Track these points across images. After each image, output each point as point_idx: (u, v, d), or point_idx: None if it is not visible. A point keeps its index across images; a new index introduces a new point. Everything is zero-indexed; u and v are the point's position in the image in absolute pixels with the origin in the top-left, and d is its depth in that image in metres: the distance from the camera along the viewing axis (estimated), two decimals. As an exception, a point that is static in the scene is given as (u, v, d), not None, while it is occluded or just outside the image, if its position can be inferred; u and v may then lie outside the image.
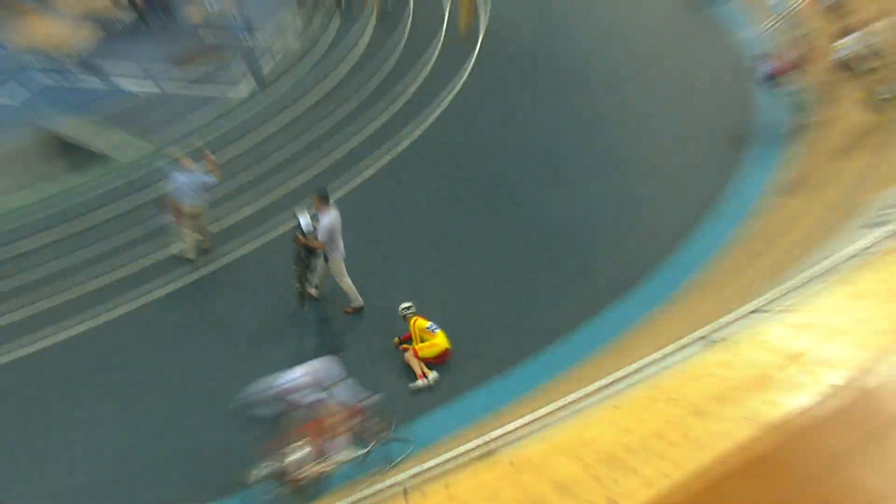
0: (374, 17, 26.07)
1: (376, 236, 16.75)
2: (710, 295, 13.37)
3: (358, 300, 14.64)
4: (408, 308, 13.60)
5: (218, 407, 12.35)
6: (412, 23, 25.94)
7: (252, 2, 26.97)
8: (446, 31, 25.14)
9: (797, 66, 19.16)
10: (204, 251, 16.21)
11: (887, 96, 16.89)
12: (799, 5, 23.15)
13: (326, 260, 14.42)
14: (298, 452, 10.67)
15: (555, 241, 16.37)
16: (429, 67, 23.12)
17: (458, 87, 22.04)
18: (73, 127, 19.80)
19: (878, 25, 17.92)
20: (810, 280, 6.79)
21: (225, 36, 24.13)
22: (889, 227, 7.32)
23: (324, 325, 14.81)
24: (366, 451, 11.23)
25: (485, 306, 14.79)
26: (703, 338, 6.59)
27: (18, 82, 21.81)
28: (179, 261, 16.11)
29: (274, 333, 14.41)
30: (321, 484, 10.87)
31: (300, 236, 14.19)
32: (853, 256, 7.10)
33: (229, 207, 17.39)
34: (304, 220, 14.21)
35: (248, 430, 10.63)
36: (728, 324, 6.33)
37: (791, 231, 14.43)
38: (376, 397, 11.42)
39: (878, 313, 4.17)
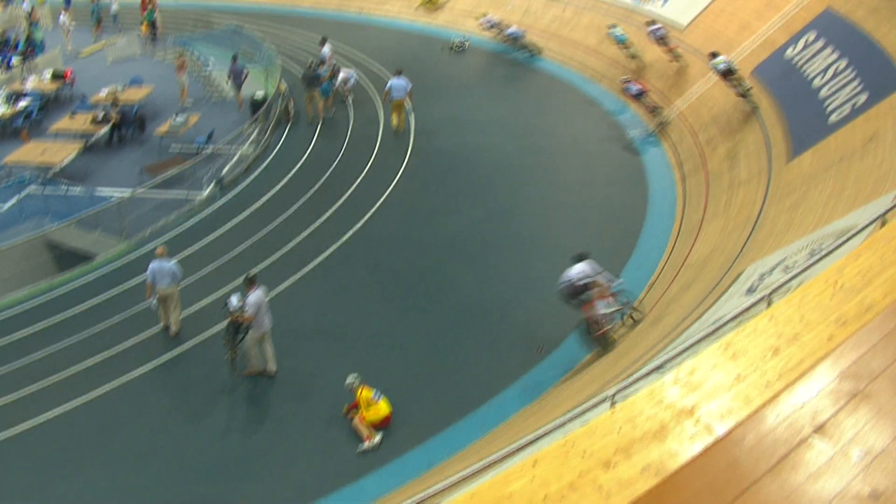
0: (319, 126, 26.22)
1: (325, 319, 16.85)
2: (614, 360, 13.47)
3: (273, 367, 15.04)
4: (355, 379, 13.58)
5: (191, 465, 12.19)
6: (352, 129, 26.18)
7: (212, 116, 27.10)
8: (382, 137, 25.41)
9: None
10: (174, 332, 16.28)
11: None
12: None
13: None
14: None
15: (478, 317, 16.58)
16: (367, 167, 23.29)
17: (392, 184, 22.22)
18: (58, 231, 19.63)
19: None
20: (697, 342, 6.88)
21: (189, 146, 24.15)
22: (760, 294, 7.46)
23: (278, 393, 14.75)
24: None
25: (421, 375, 14.92)
26: (609, 397, 6.62)
27: (11, 193, 21.61)
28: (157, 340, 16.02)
29: (231, 399, 14.20)
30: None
31: (230, 313, 14.52)
32: (732, 319, 7.21)
33: (195, 294, 17.20)
34: (234, 299, 14.55)
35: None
36: (630, 384, 6.37)
37: (682, 299, 14.62)
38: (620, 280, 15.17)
39: (753, 370, 4.23)
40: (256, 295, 14.53)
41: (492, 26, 34.67)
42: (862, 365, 4.17)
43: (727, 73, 22.29)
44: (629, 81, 26.18)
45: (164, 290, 15.90)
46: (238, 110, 28.21)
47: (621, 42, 28.17)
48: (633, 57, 27.92)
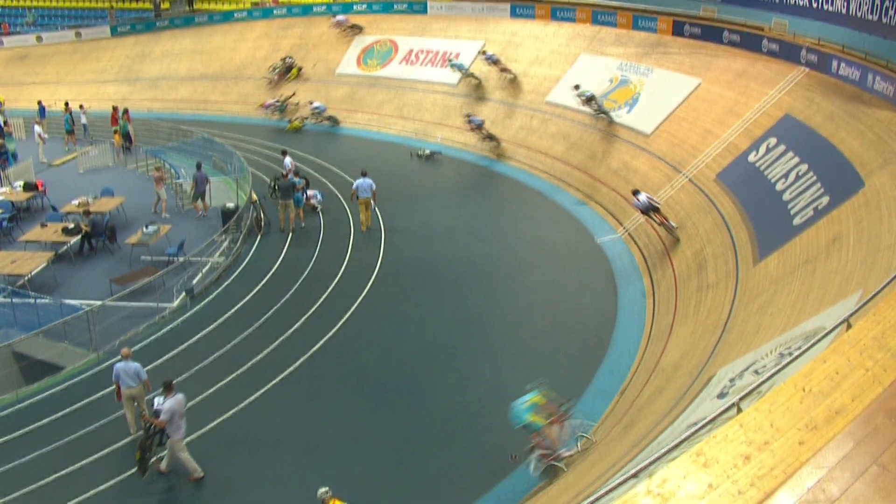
0: (290, 235, 26.31)
1: (296, 429, 16.65)
2: (589, 467, 13.35)
3: (197, 472, 14.88)
4: (325, 492, 13.31)
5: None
6: (323, 238, 26.29)
7: (183, 226, 27.17)
8: (353, 245, 25.51)
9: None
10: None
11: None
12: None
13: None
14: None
15: (451, 424, 16.50)
16: (339, 275, 23.33)
17: (364, 292, 22.24)
18: (26, 341, 19.39)
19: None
20: (669, 450, 6.83)
21: (160, 256, 24.12)
22: (731, 399, 7.46)
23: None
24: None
25: (393, 487, 14.71)
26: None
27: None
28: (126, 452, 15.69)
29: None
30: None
31: (147, 415, 14.83)
32: (703, 427, 7.18)
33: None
34: (158, 402, 14.73)
35: None
36: (604, 494, 6.29)
37: (654, 404, 14.58)
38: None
39: (725, 478, 4.21)
40: (173, 401, 14.56)
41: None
42: (829, 482, 4.17)
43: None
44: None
45: (129, 390, 15.88)
46: (196, 218, 28.37)
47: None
48: None
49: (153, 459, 15.08)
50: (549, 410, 14.19)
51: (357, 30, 46.72)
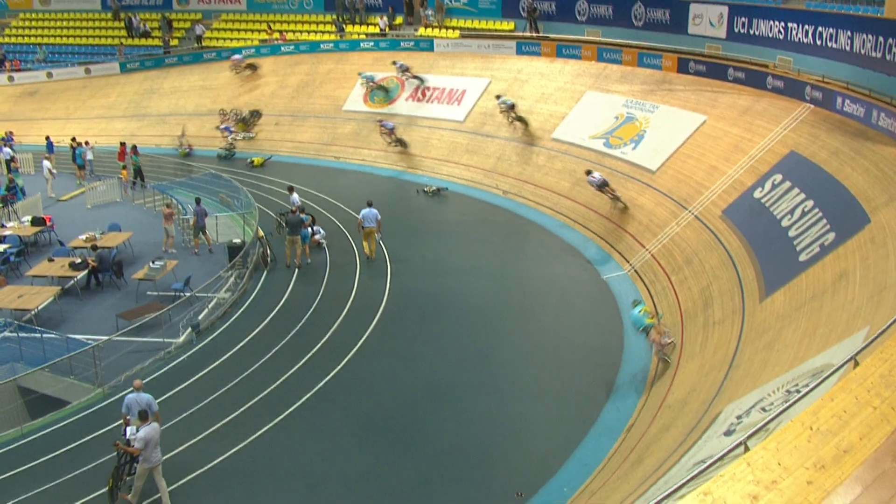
0: (296, 271, 26.34)
1: (301, 466, 16.55)
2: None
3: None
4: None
5: None
6: (329, 274, 26.30)
7: (190, 261, 27.28)
8: (359, 280, 25.52)
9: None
10: None
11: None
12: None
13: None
14: None
15: (457, 462, 16.46)
16: (345, 311, 23.33)
17: (370, 328, 22.23)
18: (31, 376, 19.40)
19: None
20: (676, 489, 6.78)
21: (166, 292, 24.17)
22: (737, 437, 7.41)
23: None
24: None
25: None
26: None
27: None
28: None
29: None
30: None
31: (119, 443, 14.97)
32: (711, 465, 7.13)
33: (171, 441, 16.85)
34: (131, 430, 15.02)
35: None
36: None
37: (661, 441, 14.50)
38: None
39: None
40: (149, 429, 14.74)
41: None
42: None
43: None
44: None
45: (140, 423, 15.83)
46: (194, 253, 28.49)
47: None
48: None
49: (121, 490, 15.16)
50: (652, 314, 20.24)
51: (252, 69, 48.15)
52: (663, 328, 19.56)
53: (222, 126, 44.49)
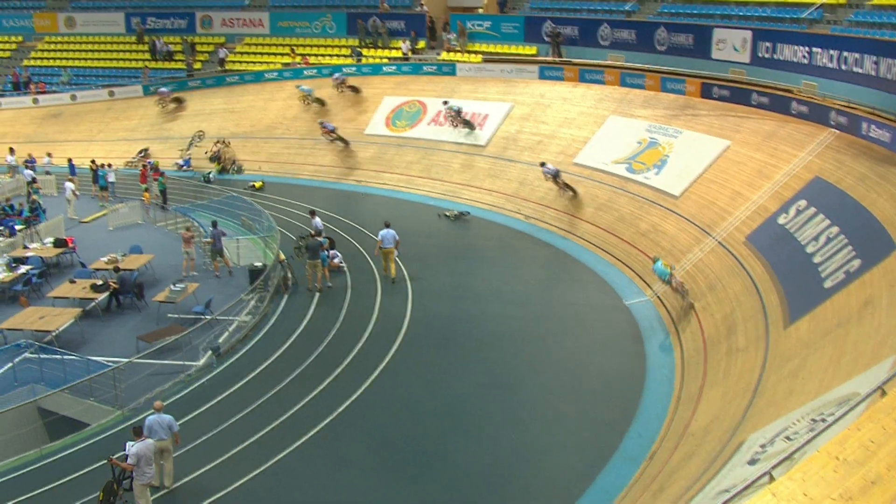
0: (317, 294, 26.40)
1: (321, 494, 16.50)
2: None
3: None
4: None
5: None
6: (350, 297, 26.34)
7: (211, 284, 27.42)
8: (380, 304, 25.53)
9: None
10: (169, 486, 16.26)
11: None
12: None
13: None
14: None
15: (477, 490, 16.36)
16: (366, 335, 23.36)
17: (391, 352, 22.22)
18: (51, 398, 19.48)
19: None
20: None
21: (187, 314, 24.28)
22: (762, 465, 7.34)
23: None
24: None
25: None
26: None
27: (5, 359, 21.52)
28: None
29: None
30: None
31: (113, 458, 15.28)
32: (736, 494, 7.07)
33: (190, 465, 16.89)
34: (128, 445, 15.11)
35: None
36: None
37: (684, 469, 14.40)
38: None
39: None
40: (141, 445, 15.00)
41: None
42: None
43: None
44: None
45: (160, 443, 15.95)
46: (215, 276, 28.67)
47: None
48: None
49: None
50: (668, 265, 23.96)
51: (178, 103, 49.26)
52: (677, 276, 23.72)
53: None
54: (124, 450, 15.29)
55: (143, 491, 15.13)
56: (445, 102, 41.27)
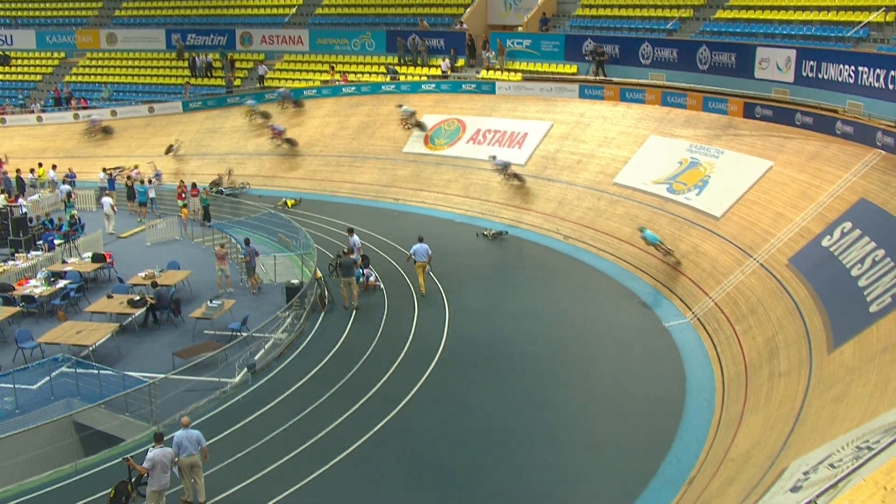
0: (354, 312, 26.48)
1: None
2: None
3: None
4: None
5: None
6: (387, 316, 26.37)
7: (248, 301, 27.59)
8: (416, 324, 25.53)
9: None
10: (202, 502, 16.34)
11: None
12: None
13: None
14: None
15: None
16: (402, 355, 23.37)
17: (427, 373, 22.21)
18: (87, 412, 19.69)
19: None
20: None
21: (224, 331, 24.44)
22: (806, 494, 7.24)
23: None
24: None
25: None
26: None
27: (43, 373, 21.75)
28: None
29: None
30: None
31: (130, 459, 15.84)
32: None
33: (225, 482, 16.97)
34: (149, 450, 15.52)
35: None
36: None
37: (724, 496, 14.24)
38: None
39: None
40: (159, 452, 15.44)
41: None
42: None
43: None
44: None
45: (189, 458, 16.10)
46: (251, 294, 28.81)
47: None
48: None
49: None
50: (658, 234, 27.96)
51: (108, 133, 50.35)
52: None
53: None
54: (145, 455, 15.66)
55: (155, 497, 15.39)
56: (399, 105, 44.78)
